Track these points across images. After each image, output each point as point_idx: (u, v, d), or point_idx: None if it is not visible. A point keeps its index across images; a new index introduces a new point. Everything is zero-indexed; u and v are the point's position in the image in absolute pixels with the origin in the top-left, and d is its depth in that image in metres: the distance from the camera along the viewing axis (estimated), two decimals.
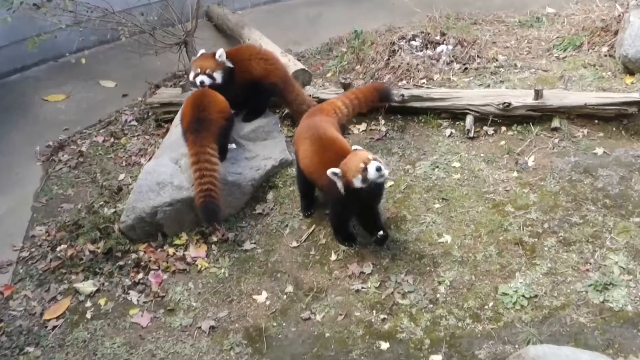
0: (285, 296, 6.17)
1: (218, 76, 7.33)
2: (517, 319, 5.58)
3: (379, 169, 5.76)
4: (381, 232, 6.17)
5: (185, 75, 9.71)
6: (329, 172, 5.91)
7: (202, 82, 7.29)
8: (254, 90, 7.63)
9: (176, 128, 7.77)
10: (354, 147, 6.19)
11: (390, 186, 7.05)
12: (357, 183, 5.84)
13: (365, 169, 5.78)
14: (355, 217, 6.43)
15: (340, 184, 5.96)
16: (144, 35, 9.44)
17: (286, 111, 8.19)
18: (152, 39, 9.42)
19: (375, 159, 5.85)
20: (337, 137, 6.45)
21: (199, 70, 7.31)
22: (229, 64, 7.45)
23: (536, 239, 6.20)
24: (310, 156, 6.38)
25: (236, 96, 7.40)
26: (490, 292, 5.82)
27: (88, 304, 6.31)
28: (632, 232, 6.15)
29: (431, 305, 5.82)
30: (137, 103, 9.44)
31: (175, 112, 8.15)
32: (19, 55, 10.02)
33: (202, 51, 7.70)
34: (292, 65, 8.72)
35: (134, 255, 6.65)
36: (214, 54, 7.42)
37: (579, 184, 6.73)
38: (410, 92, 7.98)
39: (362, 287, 6.06)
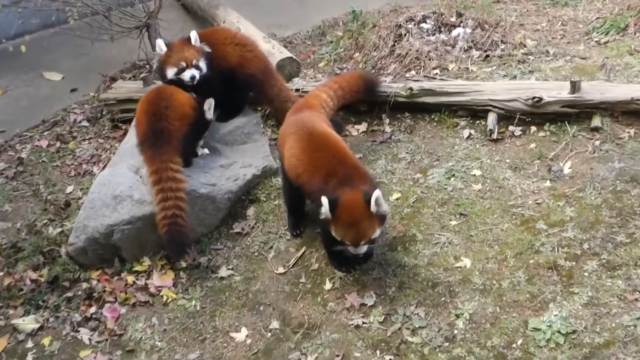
0: (269, 334, 6.15)
1: (203, 65, 7.38)
2: None
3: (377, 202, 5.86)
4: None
5: (147, 66, 9.72)
6: (323, 200, 5.90)
7: (193, 77, 7.31)
8: (229, 83, 7.64)
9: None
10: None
11: (397, 199, 7.07)
12: None
13: None
14: None
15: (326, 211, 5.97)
16: (97, 17, 9.46)
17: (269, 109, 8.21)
18: (106, 22, 9.45)
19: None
20: (330, 133, 6.50)
21: (184, 64, 7.30)
22: (207, 48, 7.48)
23: (574, 263, 6.21)
24: (298, 154, 6.39)
25: (213, 89, 7.42)
26: (519, 328, 5.82)
27: (29, 344, 6.28)
28: None
29: (447, 344, 5.82)
30: (88, 99, 9.45)
31: (136, 110, 8.15)
32: None
33: (160, 41, 7.51)
34: (276, 53, 8.75)
35: (85, 285, 6.63)
36: (189, 39, 7.41)
37: (624, 196, 6.75)
38: (420, 85, 8.01)
39: (363, 322, 6.05)
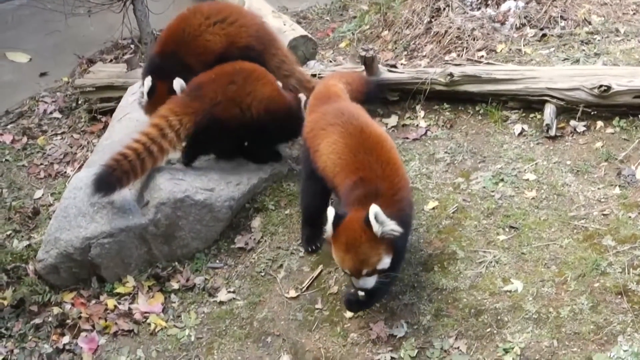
0: None
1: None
2: None
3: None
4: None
5: (132, 45, 9.79)
6: (329, 211, 5.84)
7: None
8: None
9: (119, 123, 7.83)
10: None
11: (434, 209, 7.09)
12: None
13: None
14: None
15: None
16: None
17: None
18: None
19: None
20: (385, 136, 6.43)
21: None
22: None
23: None
24: (341, 152, 6.30)
25: None
26: None
27: None
28: None
29: None
30: (61, 86, 9.54)
31: (118, 99, 8.22)
32: None
33: (147, 86, 7.46)
34: (288, 30, 8.81)
35: (56, 310, 6.67)
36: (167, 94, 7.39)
37: None
38: (462, 71, 8.03)
39: (392, 358, 6.07)
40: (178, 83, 7.19)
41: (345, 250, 5.75)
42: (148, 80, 7.29)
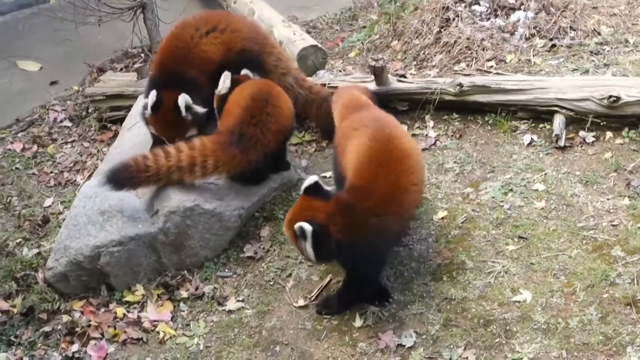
0: None
1: (194, 132, 7.44)
2: None
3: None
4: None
5: (142, 54, 9.82)
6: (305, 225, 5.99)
7: None
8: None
9: (129, 132, 7.85)
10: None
11: (443, 218, 7.10)
12: None
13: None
14: None
15: None
16: None
17: None
18: (93, 1, 9.53)
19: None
20: (412, 155, 6.42)
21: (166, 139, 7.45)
22: (199, 109, 7.43)
23: None
24: (362, 153, 6.26)
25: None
26: None
27: None
28: None
29: None
30: (71, 94, 9.56)
31: (128, 108, 8.24)
32: None
33: (151, 100, 7.37)
34: (298, 40, 8.83)
35: (66, 318, 6.67)
36: (171, 111, 7.37)
37: None
38: (471, 81, 8.03)
39: None
40: (183, 99, 7.19)
41: None
42: (153, 95, 7.27)
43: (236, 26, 7.86)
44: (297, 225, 5.96)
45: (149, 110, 7.30)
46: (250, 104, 7.08)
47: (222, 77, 7.23)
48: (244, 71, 7.43)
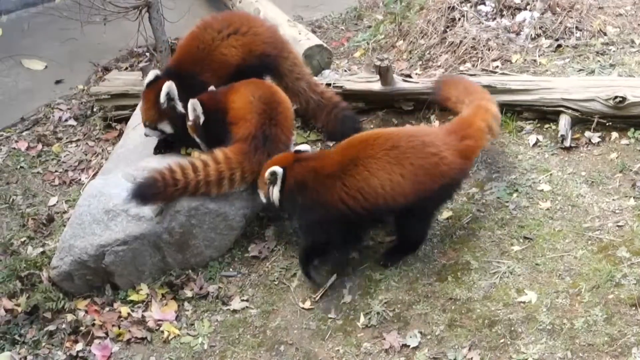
0: None
1: (166, 128, 7.41)
2: None
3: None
4: None
5: (147, 53, 9.81)
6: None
7: (146, 135, 7.51)
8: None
9: (134, 131, 7.84)
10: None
11: (448, 219, 7.09)
12: None
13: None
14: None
15: None
16: None
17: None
18: (99, 0, 9.53)
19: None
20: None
21: (145, 122, 7.48)
22: (180, 108, 7.35)
23: None
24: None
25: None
26: None
27: None
28: None
29: None
30: (76, 93, 9.56)
31: (133, 107, 8.23)
32: None
33: (149, 77, 7.52)
34: (303, 40, 8.82)
35: (70, 317, 6.69)
36: (158, 93, 7.35)
37: None
38: (477, 81, 7.99)
39: None
40: (167, 86, 7.22)
41: None
42: (152, 73, 7.43)
43: (258, 29, 7.84)
44: (270, 169, 6.57)
45: (144, 84, 7.43)
46: (265, 107, 7.09)
47: (190, 107, 7.09)
48: (211, 88, 7.40)
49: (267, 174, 6.56)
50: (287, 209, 6.86)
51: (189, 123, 7.15)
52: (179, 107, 7.31)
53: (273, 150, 6.93)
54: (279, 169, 6.54)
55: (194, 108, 7.05)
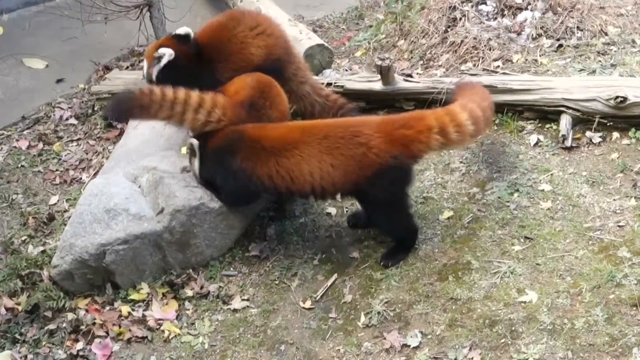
0: None
1: (153, 71, 7.50)
2: None
3: None
4: None
5: None
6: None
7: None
8: None
9: (134, 130, 7.85)
10: None
11: (449, 218, 7.10)
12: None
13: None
14: None
15: None
16: None
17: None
18: None
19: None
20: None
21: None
22: (166, 56, 7.42)
23: None
24: None
25: None
26: None
27: None
28: None
29: None
30: (77, 92, 9.56)
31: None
32: None
33: (181, 30, 7.61)
34: (304, 39, 8.82)
35: (71, 316, 6.68)
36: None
37: None
38: (478, 81, 8.00)
39: None
40: (164, 50, 7.35)
41: None
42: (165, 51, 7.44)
43: (277, 33, 7.85)
44: (189, 141, 6.92)
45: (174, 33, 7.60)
46: (258, 85, 7.14)
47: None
48: None
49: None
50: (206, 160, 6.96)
51: None
52: (166, 53, 7.41)
53: (255, 119, 6.98)
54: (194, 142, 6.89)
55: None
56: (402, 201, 6.79)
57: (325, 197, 6.87)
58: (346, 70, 8.97)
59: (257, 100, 7.04)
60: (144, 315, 6.70)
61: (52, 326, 6.63)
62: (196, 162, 6.94)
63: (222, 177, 6.86)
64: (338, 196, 7.01)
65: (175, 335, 6.56)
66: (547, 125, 7.87)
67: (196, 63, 7.42)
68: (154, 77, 7.36)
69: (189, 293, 6.82)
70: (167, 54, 7.32)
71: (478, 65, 8.58)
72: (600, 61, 8.51)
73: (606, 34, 8.96)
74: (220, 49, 7.55)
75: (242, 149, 6.71)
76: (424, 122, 6.64)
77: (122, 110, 6.79)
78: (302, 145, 6.62)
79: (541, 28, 9.03)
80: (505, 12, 9.26)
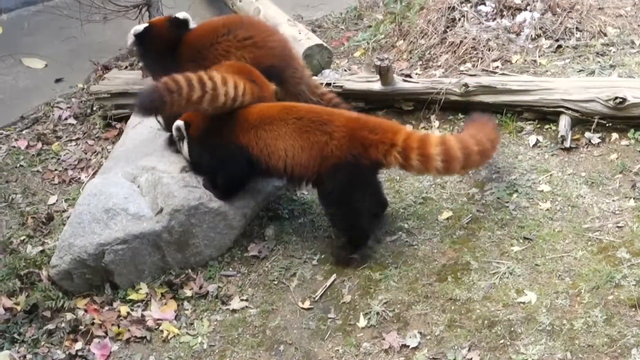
0: None
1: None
2: None
3: None
4: None
5: None
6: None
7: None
8: None
9: (133, 130, 7.84)
10: None
11: (448, 219, 7.09)
12: None
13: None
14: None
15: None
16: None
17: None
18: None
19: None
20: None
21: None
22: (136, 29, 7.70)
23: None
24: None
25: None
26: None
27: None
28: None
29: None
30: (76, 92, 9.55)
31: (133, 106, 8.21)
32: None
33: (181, 15, 7.80)
34: (303, 39, 8.81)
35: (69, 316, 6.68)
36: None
37: None
38: (477, 81, 8.03)
39: None
40: (140, 26, 7.73)
41: None
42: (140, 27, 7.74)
43: (272, 43, 7.77)
44: (175, 124, 7.02)
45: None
46: (243, 69, 7.20)
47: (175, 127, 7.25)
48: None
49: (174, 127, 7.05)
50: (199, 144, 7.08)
51: None
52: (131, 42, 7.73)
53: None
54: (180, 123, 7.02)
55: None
56: (354, 200, 6.76)
57: (294, 180, 6.91)
58: (345, 70, 8.96)
59: (255, 79, 7.09)
60: (142, 315, 6.70)
61: (50, 326, 6.63)
62: (185, 145, 7.06)
63: (209, 155, 6.98)
64: (310, 186, 7.05)
65: (174, 336, 6.56)
66: (546, 126, 7.87)
67: (167, 51, 7.50)
68: (130, 47, 7.88)
69: (188, 293, 6.82)
70: (141, 28, 7.65)
71: (477, 66, 8.59)
72: (599, 62, 8.51)
73: (605, 35, 8.96)
74: (199, 51, 7.59)
75: (226, 122, 6.86)
76: (391, 135, 6.63)
77: (154, 99, 6.65)
78: (279, 121, 6.75)
79: (540, 29, 9.03)
80: (505, 13, 9.26)
